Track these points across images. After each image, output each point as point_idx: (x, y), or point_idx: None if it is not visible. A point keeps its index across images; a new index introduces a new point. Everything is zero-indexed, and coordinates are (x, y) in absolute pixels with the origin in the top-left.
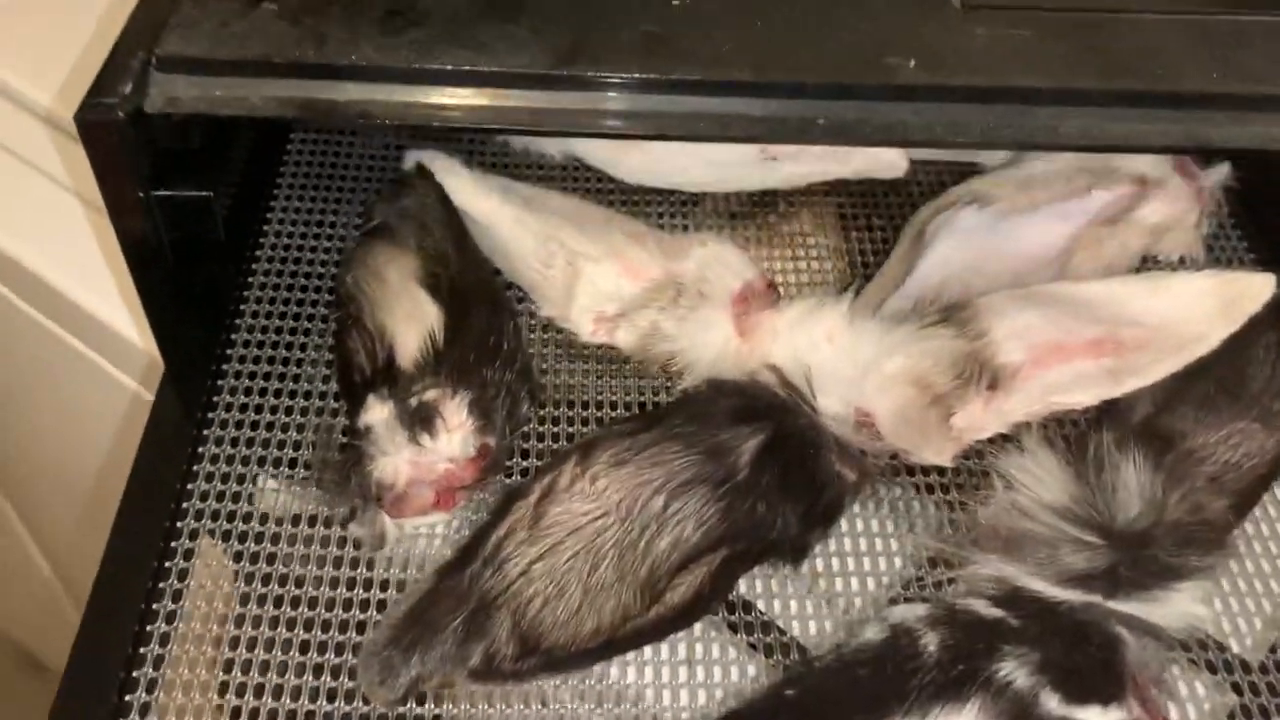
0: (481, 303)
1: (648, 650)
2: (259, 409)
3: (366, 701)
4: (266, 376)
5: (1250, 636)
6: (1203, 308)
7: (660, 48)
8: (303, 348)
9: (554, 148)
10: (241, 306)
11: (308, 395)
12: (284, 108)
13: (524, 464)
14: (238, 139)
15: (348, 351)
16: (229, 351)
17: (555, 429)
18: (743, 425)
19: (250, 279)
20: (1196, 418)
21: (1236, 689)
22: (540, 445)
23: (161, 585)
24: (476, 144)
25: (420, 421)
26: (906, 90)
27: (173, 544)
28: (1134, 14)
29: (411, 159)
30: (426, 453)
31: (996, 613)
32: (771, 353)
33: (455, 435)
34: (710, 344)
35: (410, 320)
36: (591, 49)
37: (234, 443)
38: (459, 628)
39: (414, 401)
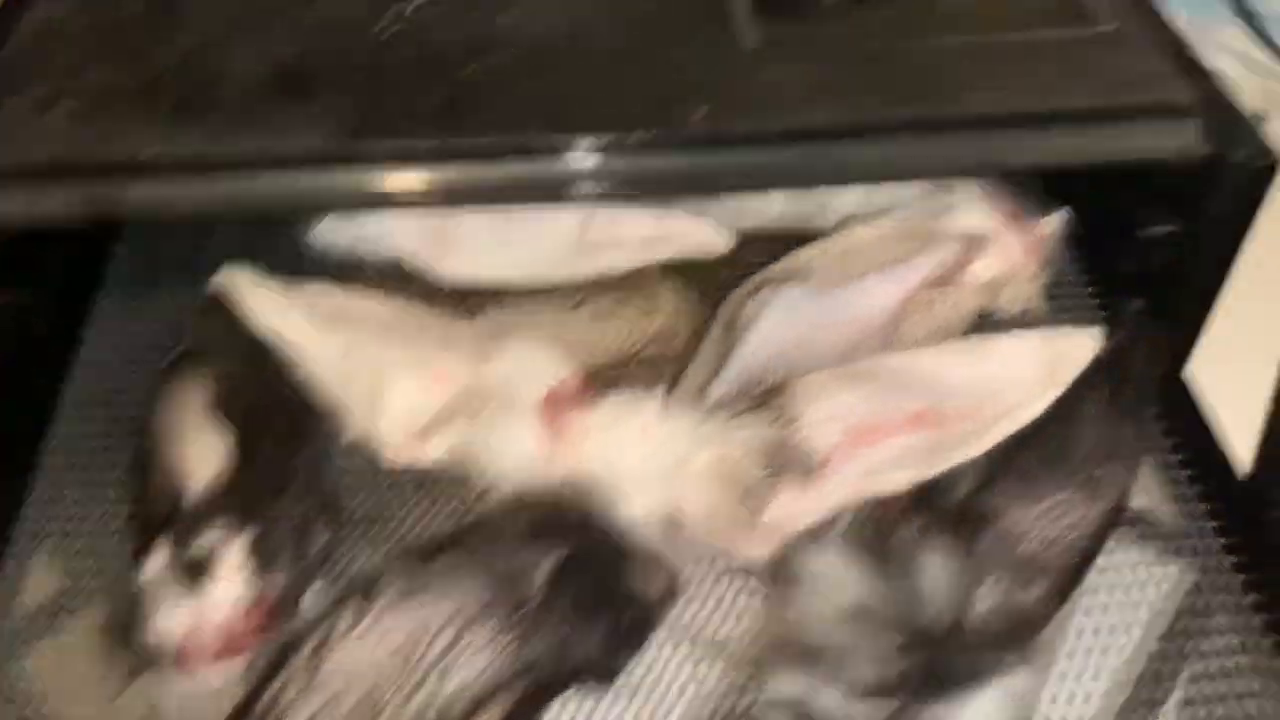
0: (277, 431)
1: None
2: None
3: None
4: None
5: None
6: (1026, 371)
7: (453, 114)
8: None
9: (376, 249)
10: (56, 413)
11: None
12: (71, 211)
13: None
14: (55, 241)
15: (139, 492)
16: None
17: (361, 557)
18: (538, 545)
19: (68, 382)
20: (1016, 492)
21: None
22: (343, 578)
23: None
24: (295, 249)
25: (197, 569)
26: (698, 138)
27: None
28: (922, 40)
29: (217, 277)
30: (204, 603)
31: None
32: (584, 456)
33: (234, 581)
34: (520, 453)
35: (201, 456)
36: (384, 120)
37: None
38: None
39: (191, 547)
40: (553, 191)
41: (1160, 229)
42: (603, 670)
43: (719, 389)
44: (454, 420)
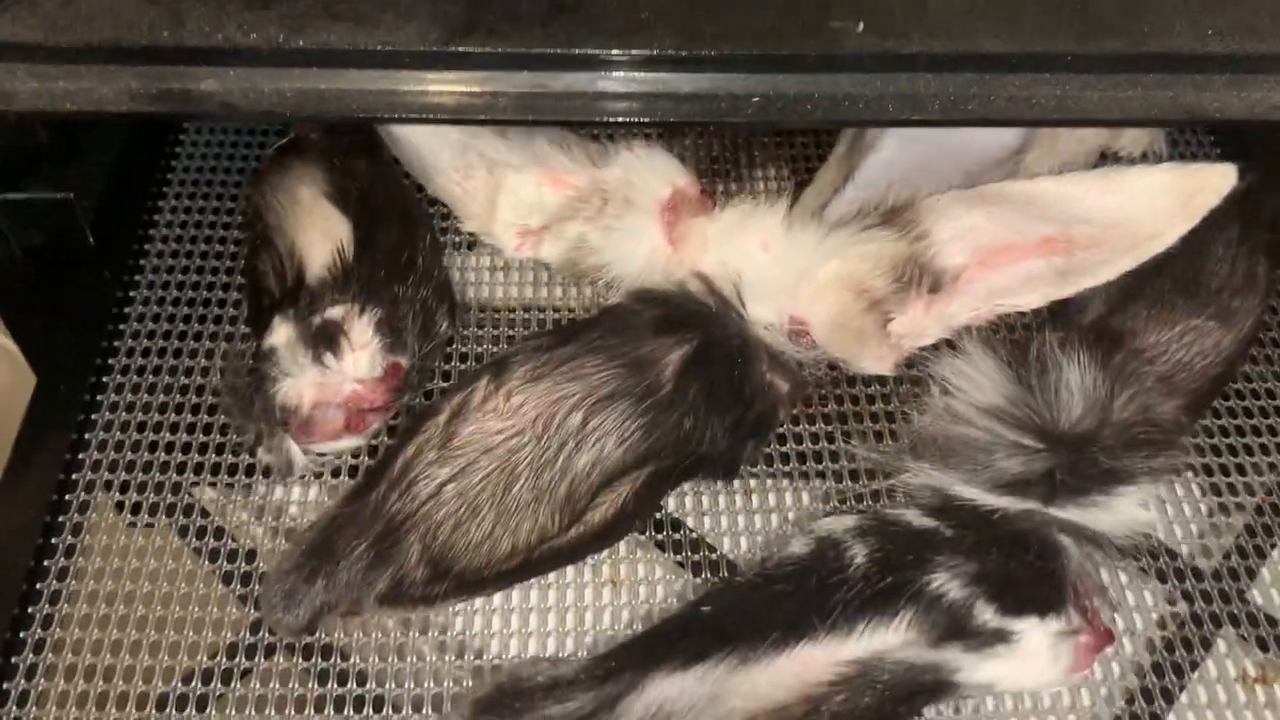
0: (394, 217)
1: (569, 571)
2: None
3: (272, 633)
4: (157, 365)
5: (1203, 541)
6: (1159, 203)
7: (569, 17)
8: (193, 352)
9: None
10: (127, 310)
11: (199, 391)
12: (136, 101)
13: (444, 385)
14: (104, 133)
15: (256, 273)
16: (111, 361)
17: (479, 348)
18: (667, 336)
19: (138, 278)
20: (1149, 315)
21: (1187, 597)
22: (464, 366)
23: (47, 563)
24: None
25: (324, 340)
26: (854, 60)
27: (64, 508)
28: None
29: None
30: (331, 373)
31: (929, 522)
32: (703, 262)
33: (361, 354)
34: (638, 255)
35: (319, 237)
36: (489, 20)
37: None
38: (365, 553)
39: (318, 320)
40: (677, 112)
41: None
42: (726, 461)
43: (839, 207)
44: (572, 221)
